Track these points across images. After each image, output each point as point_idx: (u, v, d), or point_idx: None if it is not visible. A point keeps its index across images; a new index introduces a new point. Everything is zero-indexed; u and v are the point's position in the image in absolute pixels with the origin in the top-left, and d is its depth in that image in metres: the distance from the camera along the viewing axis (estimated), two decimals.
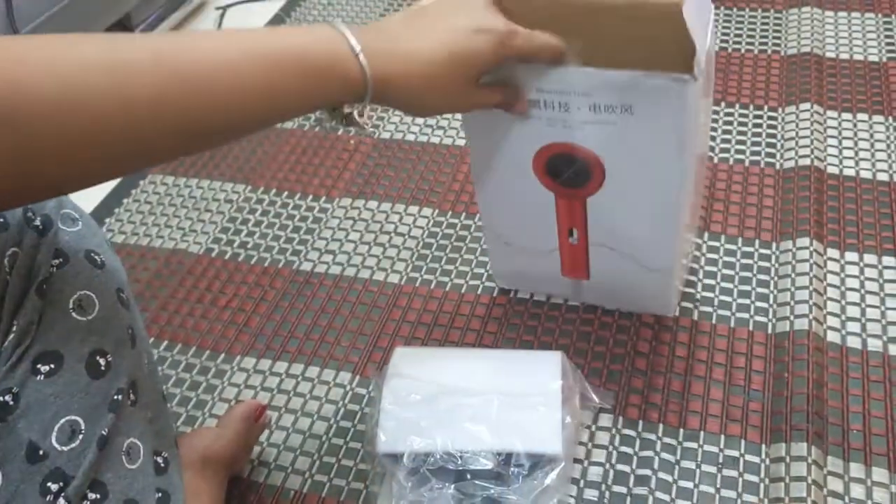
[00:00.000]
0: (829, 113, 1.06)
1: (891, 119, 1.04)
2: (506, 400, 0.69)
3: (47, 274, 0.53)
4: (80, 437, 0.50)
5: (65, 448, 0.50)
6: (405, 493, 0.66)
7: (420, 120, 1.14)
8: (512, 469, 0.66)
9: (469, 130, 0.75)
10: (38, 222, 0.54)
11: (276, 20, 1.41)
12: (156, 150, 0.47)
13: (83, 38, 0.43)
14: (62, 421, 0.50)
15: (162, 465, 0.60)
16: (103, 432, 0.51)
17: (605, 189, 0.71)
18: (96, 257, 0.57)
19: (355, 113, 0.60)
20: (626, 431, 0.75)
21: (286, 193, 1.06)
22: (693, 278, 0.87)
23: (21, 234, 0.53)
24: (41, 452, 0.49)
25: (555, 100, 0.66)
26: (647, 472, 0.71)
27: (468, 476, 0.67)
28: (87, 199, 1.09)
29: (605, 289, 0.83)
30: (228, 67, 0.47)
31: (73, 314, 0.53)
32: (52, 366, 0.50)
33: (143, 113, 0.44)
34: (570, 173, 0.71)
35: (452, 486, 0.66)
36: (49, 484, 0.49)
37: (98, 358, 0.52)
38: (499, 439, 0.67)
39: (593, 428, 0.75)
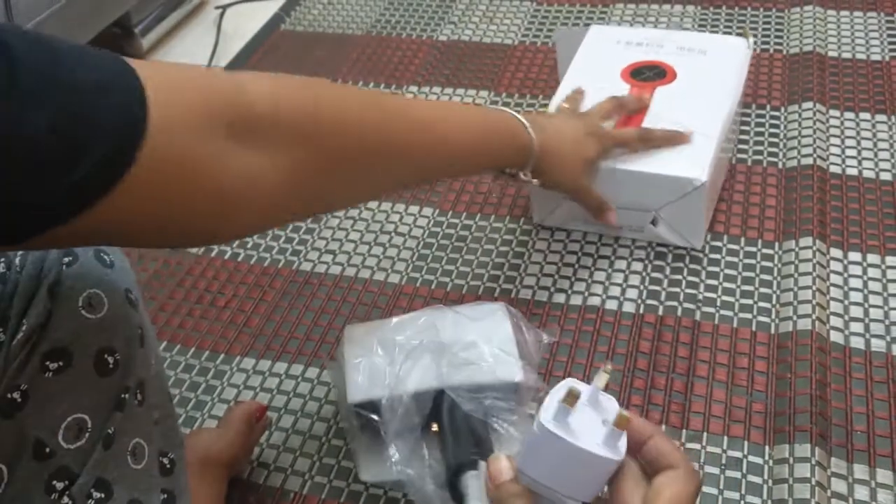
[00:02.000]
0: (832, 112, 1.05)
1: (893, 118, 1.03)
2: (462, 343, 0.70)
3: (57, 273, 0.52)
4: (87, 435, 0.50)
5: (71, 446, 0.49)
6: (387, 436, 0.66)
7: None
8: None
9: (564, 53, 1.01)
10: None
11: (276, 20, 1.41)
12: (394, 179, 0.62)
13: (358, 91, 0.67)
14: (69, 419, 0.50)
15: (168, 465, 0.59)
16: (109, 431, 0.51)
17: (674, 84, 0.93)
18: (105, 257, 0.56)
19: (521, 174, 0.76)
20: None
21: None
22: (695, 279, 0.87)
23: None
24: (48, 450, 0.48)
25: (652, 42, 0.99)
26: None
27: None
28: None
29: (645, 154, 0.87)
30: (460, 124, 0.66)
31: (83, 312, 0.53)
32: (61, 363, 0.50)
33: (396, 147, 0.59)
34: (649, 74, 0.94)
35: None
36: (55, 482, 0.49)
37: (106, 356, 0.52)
38: (466, 376, 0.68)
39: None
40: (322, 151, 0.51)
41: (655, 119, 0.88)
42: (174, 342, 0.88)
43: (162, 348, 0.87)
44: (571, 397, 0.43)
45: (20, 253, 0.52)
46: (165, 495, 0.57)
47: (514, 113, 0.73)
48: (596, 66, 0.97)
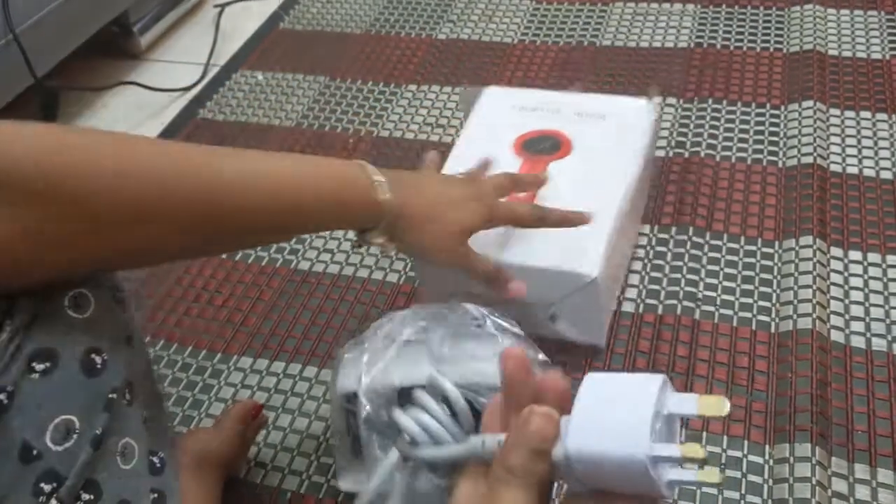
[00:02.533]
0: (832, 111, 1.05)
1: (894, 117, 1.03)
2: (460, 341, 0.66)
3: None
4: (75, 436, 0.49)
5: (59, 448, 0.49)
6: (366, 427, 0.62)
7: (419, 118, 1.14)
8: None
9: (468, 112, 0.92)
10: None
11: (274, 18, 1.40)
12: (179, 244, 0.54)
13: (153, 143, 0.54)
14: (57, 420, 0.49)
15: (158, 465, 0.59)
16: (97, 431, 0.50)
17: (569, 158, 0.84)
18: None
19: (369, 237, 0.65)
20: None
21: None
22: (695, 278, 0.86)
23: None
24: (35, 452, 0.48)
25: (548, 107, 0.89)
26: None
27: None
28: None
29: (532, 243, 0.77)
30: (275, 181, 0.56)
31: (69, 312, 0.52)
32: (48, 364, 0.49)
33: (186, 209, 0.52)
34: (543, 146, 0.85)
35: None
36: (42, 484, 0.48)
37: (93, 356, 0.51)
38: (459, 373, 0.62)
39: None
40: (74, 208, 0.46)
41: (546, 199, 0.78)
42: (171, 341, 0.87)
43: (159, 346, 0.87)
44: (694, 461, 0.37)
45: None
46: (156, 495, 0.57)
47: (368, 168, 0.62)
48: (488, 135, 0.87)
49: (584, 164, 0.82)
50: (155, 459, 0.57)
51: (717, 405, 0.37)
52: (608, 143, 0.84)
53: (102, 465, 0.52)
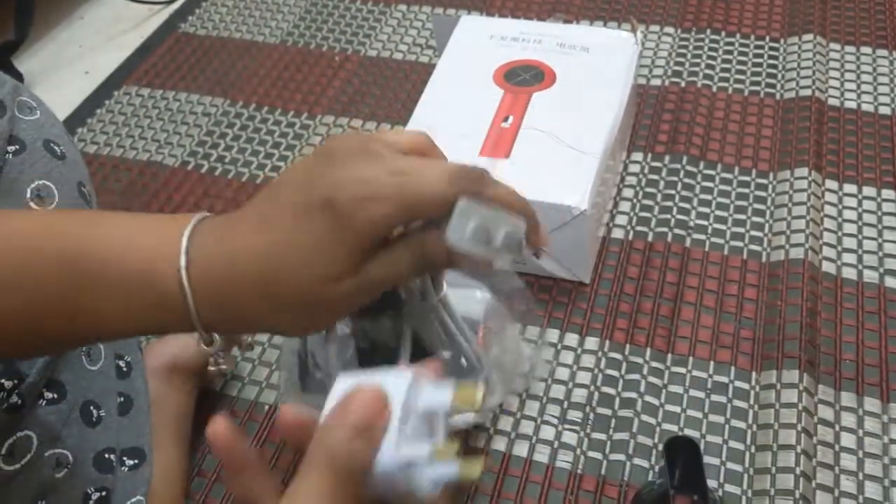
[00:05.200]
0: (833, 45, 1.02)
1: (894, 53, 1.00)
2: None
3: (1, 161, 0.49)
4: None
5: None
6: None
7: (408, 38, 1.10)
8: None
9: (442, 41, 0.89)
10: None
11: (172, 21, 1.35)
12: None
13: None
14: None
15: (125, 368, 0.57)
16: None
17: (553, 88, 0.82)
18: (56, 147, 0.53)
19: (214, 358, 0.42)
20: (613, 355, 0.72)
21: (266, 108, 1.01)
22: (687, 206, 0.84)
23: None
24: None
25: (530, 37, 0.87)
26: (633, 395, 0.69)
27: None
28: (57, 108, 1.04)
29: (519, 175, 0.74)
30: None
31: (31, 204, 0.50)
32: None
33: None
34: (525, 76, 0.83)
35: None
36: (3, 381, 0.46)
37: None
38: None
39: (579, 351, 0.73)
40: None
41: (531, 130, 0.77)
42: None
43: None
44: (445, 455, 0.33)
45: None
46: (122, 399, 0.55)
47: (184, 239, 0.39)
48: (466, 65, 0.86)
49: (568, 96, 0.81)
50: (122, 363, 0.56)
51: (471, 394, 0.34)
52: (592, 75, 0.83)
53: (66, 365, 0.50)
